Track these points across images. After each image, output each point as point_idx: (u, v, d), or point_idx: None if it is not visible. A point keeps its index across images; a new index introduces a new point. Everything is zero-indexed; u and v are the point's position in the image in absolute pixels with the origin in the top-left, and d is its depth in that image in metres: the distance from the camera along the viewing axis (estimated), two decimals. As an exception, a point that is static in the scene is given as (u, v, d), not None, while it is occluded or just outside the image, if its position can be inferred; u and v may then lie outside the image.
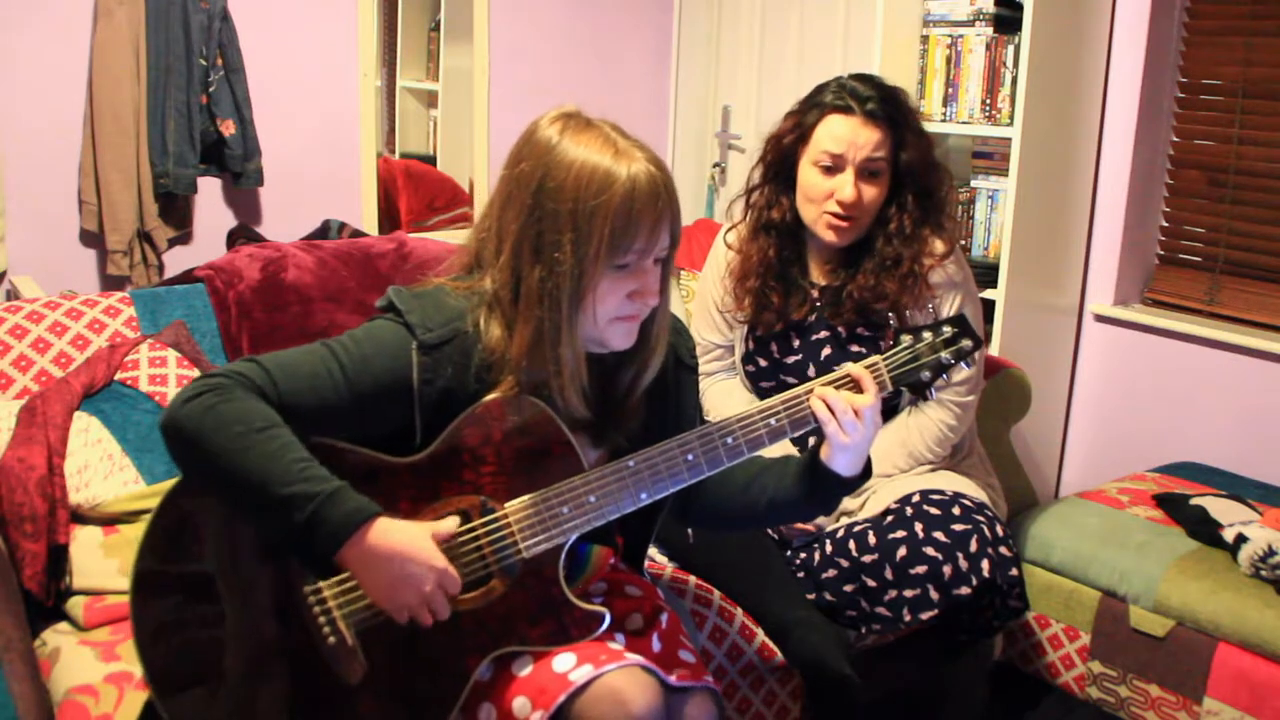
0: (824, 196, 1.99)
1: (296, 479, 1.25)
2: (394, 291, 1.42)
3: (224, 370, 1.31)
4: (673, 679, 1.43)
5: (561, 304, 1.34)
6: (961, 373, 1.62)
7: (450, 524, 1.35)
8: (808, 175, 2.01)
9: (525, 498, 1.38)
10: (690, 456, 1.42)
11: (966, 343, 1.54)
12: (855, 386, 1.48)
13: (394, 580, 1.29)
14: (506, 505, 1.38)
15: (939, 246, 2.03)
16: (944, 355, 1.53)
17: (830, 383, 1.47)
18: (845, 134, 1.96)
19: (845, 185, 1.97)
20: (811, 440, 1.50)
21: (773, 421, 1.45)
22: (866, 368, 1.49)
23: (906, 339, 1.53)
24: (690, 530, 1.79)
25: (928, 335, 1.53)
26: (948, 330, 1.54)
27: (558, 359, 1.36)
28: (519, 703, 1.35)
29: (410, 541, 1.30)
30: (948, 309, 2.04)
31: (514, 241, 1.37)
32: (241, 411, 1.26)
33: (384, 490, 1.36)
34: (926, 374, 1.52)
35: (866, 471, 1.54)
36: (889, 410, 2.10)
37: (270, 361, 1.33)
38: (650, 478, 1.41)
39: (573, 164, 1.34)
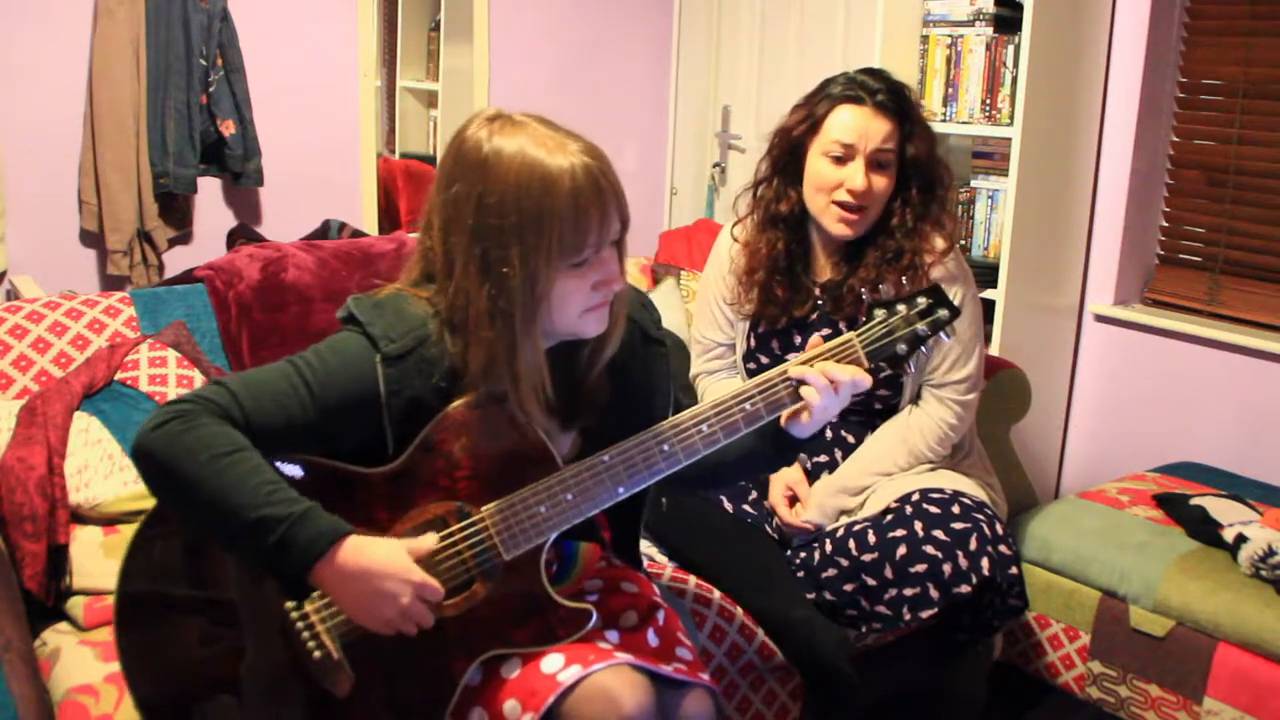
0: (834, 186, 1.99)
1: (264, 502, 1.24)
2: (354, 301, 1.40)
3: (190, 395, 1.30)
4: (669, 670, 1.42)
5: (514, 319, 1.32)
6: (941, 346, 1.56)
7: (428, 541, 1.34)
8: (818, 165, 2.01)
9: (502, 500, 1.37)
10: (666, 447, 1.40)
11: (943, 313, 1.48)
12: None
13: (369, 597, 1.28)
14: (483, 509, 1.36)
15: (939, 243, 2.05)
16: (920, 327, 1.47)
17: (805, 362, 1.45)
18: (857, 124, 1.98)
19: (856, 174, 1.97)
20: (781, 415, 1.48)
21: (748, 406, 1.43)
22: (840, 345, 1.46)
23: (880, 313, 1.48)
24: (663, 500, 1.77)
25: (901, 308, 1.48)
26: (922, 302, 1.48)
27: (514, 374, 1.34)
28: (509, 705, 1.35)
29: (384, 557, 1.29)
30: (949, 303, 2.04)
31: (461, 264, 1.34)
32: (207, 438, 1.25)
33: (359, 502, 1.35)
34: (902, 347, 1.47)
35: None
36: (890, 409, 2.10)
37: (236, 383, 1.32)
38: (626, 471, 1.39)
39: (507, 174, 1.30)
